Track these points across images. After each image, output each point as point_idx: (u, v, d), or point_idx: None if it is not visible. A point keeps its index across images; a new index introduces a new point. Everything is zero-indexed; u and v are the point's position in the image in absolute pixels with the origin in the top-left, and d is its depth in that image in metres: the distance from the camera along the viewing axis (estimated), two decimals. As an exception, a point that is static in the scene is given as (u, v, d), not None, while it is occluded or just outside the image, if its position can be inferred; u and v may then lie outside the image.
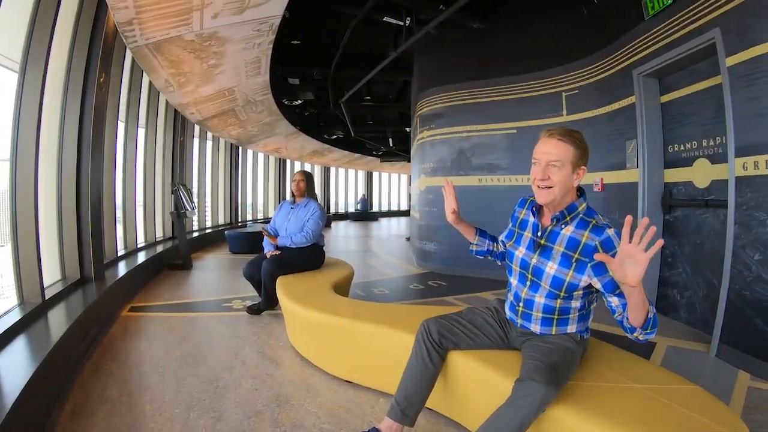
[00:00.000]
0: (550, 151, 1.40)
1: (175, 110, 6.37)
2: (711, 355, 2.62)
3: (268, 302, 3.32)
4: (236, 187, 10.45)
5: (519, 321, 1.61)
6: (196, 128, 7.98)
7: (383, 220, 18.08)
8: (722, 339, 2.57)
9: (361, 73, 6.57)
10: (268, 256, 3.32)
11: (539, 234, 1.52)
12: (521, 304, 1.58)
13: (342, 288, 3.20)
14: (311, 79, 7.28)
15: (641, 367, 1.62)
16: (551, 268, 1.46)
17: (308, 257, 3.40)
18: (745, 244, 2.47)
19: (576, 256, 1.42)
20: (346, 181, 20.02)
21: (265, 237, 3.47)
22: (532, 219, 1.56)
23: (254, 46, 4.40)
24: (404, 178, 23.35)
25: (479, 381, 1.63)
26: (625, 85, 3.63)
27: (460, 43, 5.51)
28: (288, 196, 3.68)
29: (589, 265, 1.40)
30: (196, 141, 8.11)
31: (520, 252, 1.58)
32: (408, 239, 9.32)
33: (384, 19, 5.18)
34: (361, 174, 20.94)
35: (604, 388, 1.45)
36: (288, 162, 14.67)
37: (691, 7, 2.83)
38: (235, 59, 4.74)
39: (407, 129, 10.96)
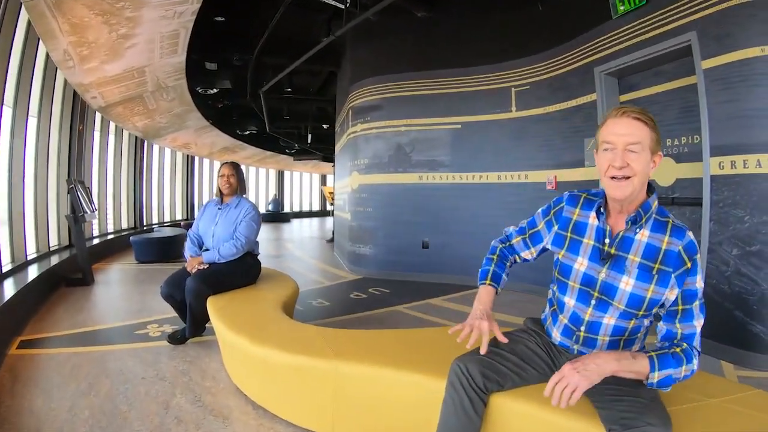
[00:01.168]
0: (627, 132, 1.19)
1: (75, 93, 5.83)
2: None
3: (195, 328, 2.89)
4: (141, 187, 9.86)
5: (576, 347, 1.40)
6: (98, 118, 7.44)
7: (295, 221, 18.19)
8: (702, 334, 2.83)
9: (286, 61, 6.23)
10: (191, 269, 2.89)
11: (608, 241, 1.29)
12: (582, 329, 1.36)
13: (288, 308, 2.81)
14: (230, 65, 6.90)
15: (701, 380, 1.58)
16: (626, 283, 1.25)
17: (243, 270, 3.02)
18: (722, 241, 2.76)
19: (657, 266, 1.22)
20: (257, 180, 19.75)
21: (187, 245, 3.06)
22: (595, 222, 1.33)
23: (175, 15, 3.91)
24: (316, 177, 23.79)
25: (535, 427, 1.36)
26: (584, 82, 3.88)
27: (401, 31, 5.43)
28: (214, 195, 3.20)
29: (672, 275, 1.21)
30: (96, 134, 7.51)
31: (581, 264, 1.34)
32: (330, 241, 9.12)
33: (323, -1, 4.93)
34: (273, 173, 20.87)
35: (686, 410, 1.36)
36: (197, 159, 14.24)
37: (664, 10, 3.10)
38: (151, 30, 4.21)
39: (324, 126, 11.10)
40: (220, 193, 3.11)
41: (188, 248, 3.05)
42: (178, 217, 12.87)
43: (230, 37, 6.43)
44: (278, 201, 18.90)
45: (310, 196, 23.93)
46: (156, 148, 11.30)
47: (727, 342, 2.71)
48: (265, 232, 12.78)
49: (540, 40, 4.42)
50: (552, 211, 1.46)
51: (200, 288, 2.73)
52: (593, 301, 1.32)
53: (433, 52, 5.20)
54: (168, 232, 7.85)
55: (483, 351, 1.33)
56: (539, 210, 1.52)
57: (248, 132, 11.89)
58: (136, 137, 9.47)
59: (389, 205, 5.41)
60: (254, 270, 3.14)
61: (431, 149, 5.22)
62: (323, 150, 13.53)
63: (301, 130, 11.74)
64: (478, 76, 4.94)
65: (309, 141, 11.90)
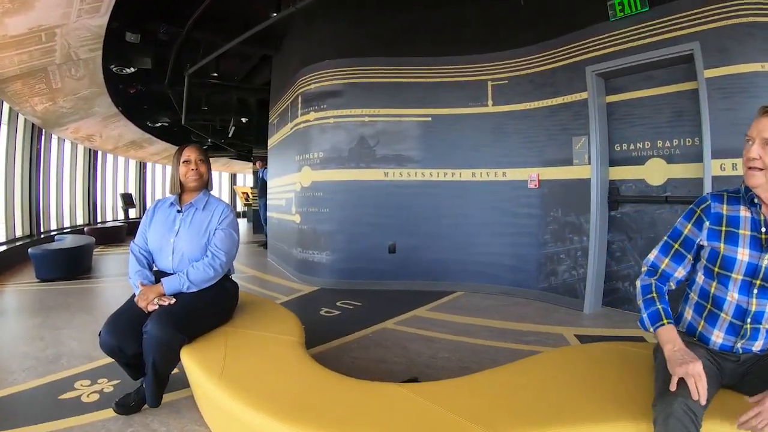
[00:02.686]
0: (765, 129, 1.44)
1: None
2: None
3: (159, 392, 2.18)
4: (38, 187, 8.99)
5: (740, 344, 1.54)
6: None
7: None
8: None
9: (221, 40, 5.82)
10: (147, 306, 2.18)
11: (764, 230, 1.49)
12: (748, 321, 1.51)
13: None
14: (155, 39, 6.36)
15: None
16: None
17: (222, 301, 2.45)
18: (724, 235, 3.36)
19: None
20: (164, 180, 18.94)
21: (133, 267, 2.40)
22: (748, 214, 1.53)
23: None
24: (226, 176, 24.58)
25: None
26: (573, 80, 4.31)
27: (366, 11, 5.39)
28: (168, 192, 2.59)
29: None
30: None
31: (743, 254, 1.51)
32: (263, 246, 8.74)
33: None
34: None
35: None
36: (99, 154, 13.50)
37: (666, 18, 3.64)
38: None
39: (244, 119, 10.92)
40: (179, 189, 2.48)
41: (135, 272, 2.34)
42: (80, 221, 11.99)
43: (160, 5, 5.96)
44: None
45: (219, 196, 23.70)
46: (55, 139, 10.36)
47: None
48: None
49: (521, 35, 4.77)
50: (698, 211, 1.61)
51: (170, 336, 2.05)
52: (755, 290, 1.48)
53: (404, 37, 5.26)
54: (72, 241, 6.98)
55: (703, 401, 1.31)
56: (680, 219, 1.67)
57: (159, 124, 11.55)
58: (33, 125, 8.65)
59: (350, 206, 5.33)
60: (234, 300, 2.58)
61: (399, 143, 5.28)
62: (238, 147, 13.27)
63: (216, 122, 11.74)
64: (452, 66, 5.13)
65: (229, 134, 11.61)
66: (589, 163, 4.21)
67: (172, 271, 2.35)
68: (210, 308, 2.31)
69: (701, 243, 1.61)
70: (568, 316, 4.14)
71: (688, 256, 1.65)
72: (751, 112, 3.07)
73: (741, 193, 1.55)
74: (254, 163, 11.62)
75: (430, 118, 5.22)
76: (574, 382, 1.76)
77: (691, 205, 1.64)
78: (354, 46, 5.41)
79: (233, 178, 25.24)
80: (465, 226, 5.09)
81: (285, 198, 6.43)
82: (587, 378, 1.79)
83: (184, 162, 2.44)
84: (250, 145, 13.74)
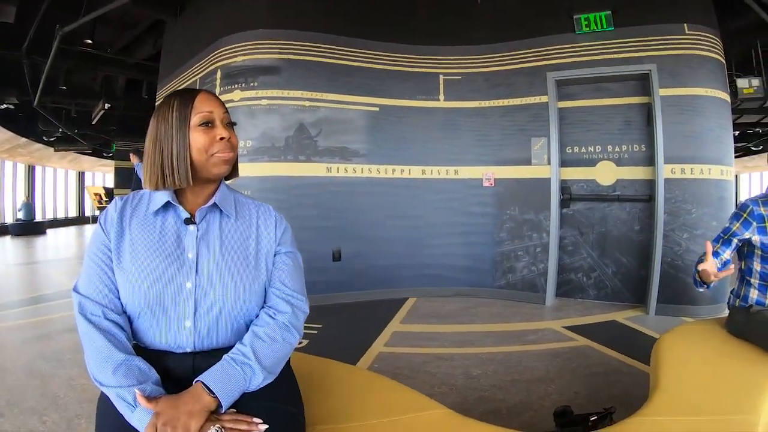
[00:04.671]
0: None
1: None
2: (651, 315, 4.74)
3: None
4: None
5: None
6: None
7: (52, 233, 17.43)
8: (659, 300, 4.75)
9: None
10: None
11: None
12: None
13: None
14: None
15: None
16: None
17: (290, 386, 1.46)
18: (674, 228, 4.73)
19: None
20: (3, 178, 18.59)
21: (105, 354, 1.18)
22: None
23: None
24: (73, 175, 23.86)
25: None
26: (533, 83, 5.21)
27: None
28: (148, 184, 1.41)
29: None
30: None
31: None
32: None
33: None
34: (22, 169, 19.89)
35: None
36: None
37: (628, 40, 4.84)
38: None
39: (108, 105, 9.99)
40: (188, 179, 1.32)
41: (115, 367, 1.16)
42: None
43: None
44: (31, 206, 17.56)
45: (66, 200, 23.49)
46: None
47: (680, 303, 4.71)
48: (21, 255, 11.20)
49: (477, 33, 5.47)
50: (744, 215, 2.42)
51: None
52: None
53: (355, 16, 5.36)
54: None
55: None
56: (729, 220, 2.48)
57: (5, 106, 10.70)
58: None
59: (287, 206, 5.08)
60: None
61: (343, 133, 5.37)
62: (94, 139, 12.67)
63: (72, 108, 11.04)
64: (404, 55, 5.48)
65: (94, 122, 10.85)
66: (549, 164, 5.17)
67: (191, 350, 1.31)
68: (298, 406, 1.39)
69: (752, 239, 2.40)
70: (537, 309, 5.00)
71: (735, 242, 2.43)
72: (697, 127, 4.46)
73: None
74: (131, 157, 10.03)
75: (378, 109, 5.45)
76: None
77: (736, 210, 2.45)
78: (296, 15, 5.28)
79: (81, 178, 24.42)
80: (416, 228, 5.48)
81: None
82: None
83: (202, 124, 1.32)
84: (109, 138, 12.91)
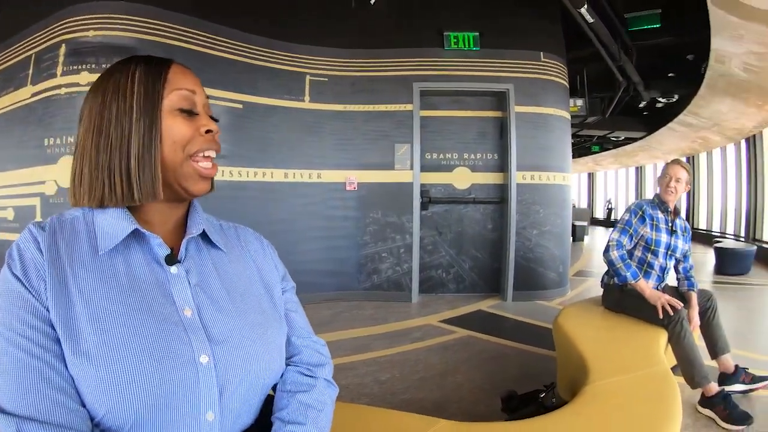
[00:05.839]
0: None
1: None
2: (509, 301, 5.57)
3: None
4: None
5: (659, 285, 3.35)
6: None
7: None
8: (515, 288, 5.60)
9: None
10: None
11: (670, 224, 3.30)
12: (664, 275, 3.32)
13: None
14: None
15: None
16: (681, 243, 3.35)
17: None
18: (525, 226, 5.62)
19: (685, 233, 3.38)
20: None
21: None
22: (662, 215, 3.27)
23: None
24: None
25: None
26: (398, 92, 5.78)
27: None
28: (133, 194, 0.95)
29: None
30: None
31: (663, 237, 3.30)
32: None
33: None
34: None
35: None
36: None
37: (491, 60, 5.68)
38: None
39: None
40: (157, 191, 0.94)
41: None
42: None
43: None
44: None
45: None
46: None
47: (533, 289, 5.63)
48: None
49: (348, 36, 5.85)
50: (640, 212, 3.29)
51: None
52: (669, 257, 3.34)
53: (223, 1, 5.34)
54: None
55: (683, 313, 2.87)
56: (627, 215, 3.29)
57: None
58: None
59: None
60: None
61: (202, 131, 5.22)
62: None
63: None
64: (271, 50, 5.61)
65: None
66: (412, 169, 5.76)
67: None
68: None
69: (642, 232, 3.27)
70: (406, 308, 5.51)
71: (634, 236, 3.29)
72: (545, 142, 5.50)
73: (657, 203, 3.31)
74: None
75: (241, 106, 5.49)
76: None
77: (632, 209, 3.29)
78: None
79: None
80: (281, 233, 5.53)
81: (13, 207, 4.99)
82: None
83: (182, 109, 0.95)
84: None
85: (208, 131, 0.96)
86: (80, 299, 0.83)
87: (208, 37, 5.28)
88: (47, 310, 0.81)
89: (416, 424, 1.68)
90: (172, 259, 0.94)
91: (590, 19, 5.81)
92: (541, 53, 5.94)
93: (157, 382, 0.80)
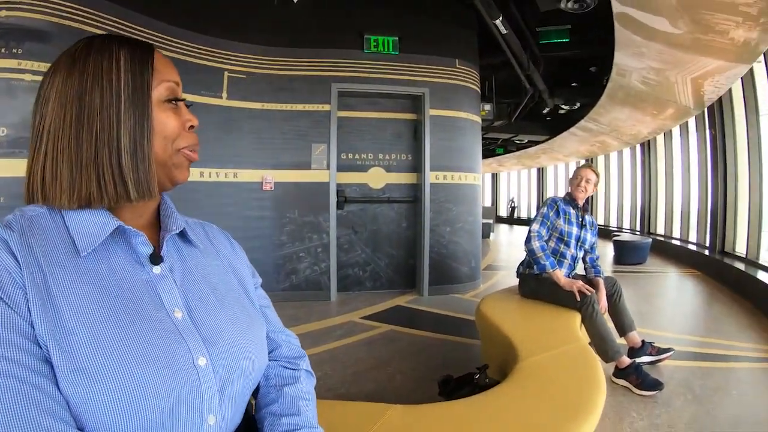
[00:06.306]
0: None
1: None
2: (425, 296, 5.93)
3: None
4: None
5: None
6: None
7: None
8: (430, 283, 5.97)
9: None
10: None
11: (580, 219, 3.85)
12: (575, 264, 3.88)
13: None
14: None
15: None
16: (588, 236, 3.89)
17: None
18: (439, 223, 6.00)
19: (592, 228, 3.93)
20: None
21: None
22: (573, 210, 3.81)
23: None
24: None
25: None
26: (316, 92, 5.96)
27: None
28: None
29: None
30: None
31: (574, 230, 3.91)
32: None
33: None
34: None
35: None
36: None
37: (409, 65, 6.02)
38: None
39: None
40: (149, 179, 0.89)
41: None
42: None
43: None
44: None
45: None
46: None
47: (447, 283, 6.03)
48: None
49: (269, 33, 5.93)
50: (556, 206, 3.79)
51: None
52: (578, 247, 3.84)
53: None
54: None
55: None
56: (545, 210, 3.76)
57: None
58: None
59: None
60: None
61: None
62: None
63: None
64: (191, 43, 5.55)
65: None
66: (328, 168, 5.98)
67: None
68: None
69: (557, 224, 3.73)
70: (325, 306, 5.72)
71: (550, 229, 3.75)
72: (457, 144, 5.99)
73: (568, 200, 3.79)
74: None
75: (153, 102, 5.46)
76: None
77: (548, 203, 3.77)
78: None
79: None
80: None
81: None
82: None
83: (169, 100, 0.92)
84: None
85: (191, 126, 0.95)
86: (67, 307, 0.75)
87: (127, 26, 5.11)
88: (31, 325, 0.72)
89: (371, 411, 1.87)
90: (156, 258, 0.89)
91: (504, 31, 6.28)
92: (457, 60, 6.37)
93: (160, 392, 0.76)
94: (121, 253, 0.86)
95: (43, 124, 0.83)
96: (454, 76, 6.34)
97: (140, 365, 0.75)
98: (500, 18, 5.96)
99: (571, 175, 3.96)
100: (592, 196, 16.00)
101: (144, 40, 0.93)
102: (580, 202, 3.81)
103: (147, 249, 0.89)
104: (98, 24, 4.91)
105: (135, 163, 0.84)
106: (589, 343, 2.98)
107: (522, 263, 3.85)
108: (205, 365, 0.83)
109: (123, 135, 0.83)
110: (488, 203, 27.33)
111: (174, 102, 0.91)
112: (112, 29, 4.96)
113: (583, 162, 18.92)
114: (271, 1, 5.83)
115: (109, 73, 0.84)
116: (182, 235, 1.00)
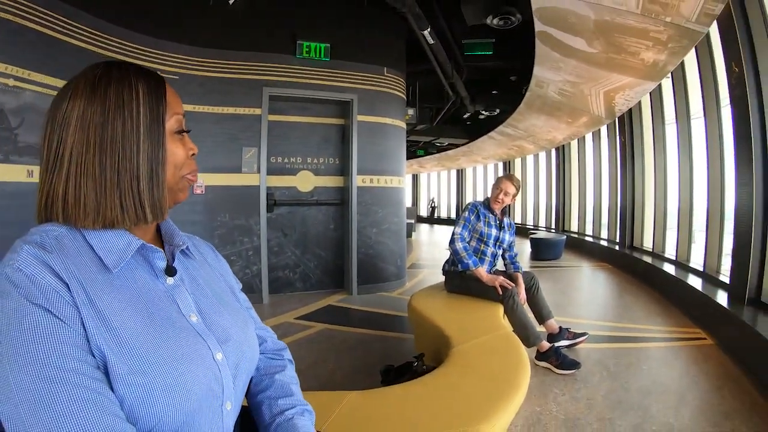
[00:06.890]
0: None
1: None
2: (355, 295, 6.37)
3: None
4: None
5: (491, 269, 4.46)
6: None
7: None
8: (359, 283, 6.41)
9: None
10: None
11: (498, 222, 4.37)
12: (495, 261, 4.46)
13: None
14: None
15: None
16: (506, 236, 4.44)
17: None
18: (366, 225, 6.46)
19: (509, 229, 4.59)
20: None
21: None
22: (492, 215, 4.33)
23: None
24: None
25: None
26: (247, 96, 6.21)
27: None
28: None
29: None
30: None
31: (493, 232, 4.49)
32: None
33: None
34: None
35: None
36: None
37: (339, 71, 6.39)
38: None
39: None
40: (162, 204, 1.02)
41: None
42: None
43: None
44: None
45: None
46: None
47: (374, 282, 6.50)
48: None
49: (203, 34, 6.07)
50: (476, 210, 4.32)
51: None
52: (498, 246, 4.40)
53: None
54: None
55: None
56: (466, 214, 4.30)
57: None
58: None
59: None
60: None
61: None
62: None
63: None
64: (128, 42, 5.49)
65: None
66: (259, 172, 6.28)
67: None
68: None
69: (477, 227, 4.26)
70: (259, 308, 5.96)
71: (471, 231, 4.27)
72: (382, 148, 6.68)
73: (488, 206, 4.32)
74: None
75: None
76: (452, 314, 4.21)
77: (469, 207, 4.29)
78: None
79: None
80: None
81: None
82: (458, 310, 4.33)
83: (179, 132, 1.05)
84: None
85: (193, 154, 1.07)
86: (113, 319, 0.86)
87: (64, 22, 4.85)
88: (86, 339, 0.83)
89: (329, 399, 2.14)
90: (170, 270, 1.03)
91: (431, 41, 6.80)
92: (385, 68, 6.85)
93: (196, 384, 0.91)
94: (140, 267, 0.98)
95: (63, 146, 0.91)
96: (382, 84, 6.81)
97: (180, 363, 0.90)
98: (428, 29, 6.49)
99: (493, 181, 4.48)
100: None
101: (154, 70, 1.05)
102: (497, 212, 4.32)
103: (163, 263, 1.03)
104: (31, 16, 4.57)
105: (151, 188, 0.96)
106: (513, 331, 3.37)
107: (447, 261, 4.35)
108: (221, 360, 0.99)
109: (142, 163, 0.94)
110: (409, 203, 28.20)
111: (181, 133, 1.04)
112: (56, 27, 4.76)
113: (501, 165, 20.13)
114: (206, 1, 5.98)
115: (129, 104, 0.94)
116: (190, 251, 1.16)
